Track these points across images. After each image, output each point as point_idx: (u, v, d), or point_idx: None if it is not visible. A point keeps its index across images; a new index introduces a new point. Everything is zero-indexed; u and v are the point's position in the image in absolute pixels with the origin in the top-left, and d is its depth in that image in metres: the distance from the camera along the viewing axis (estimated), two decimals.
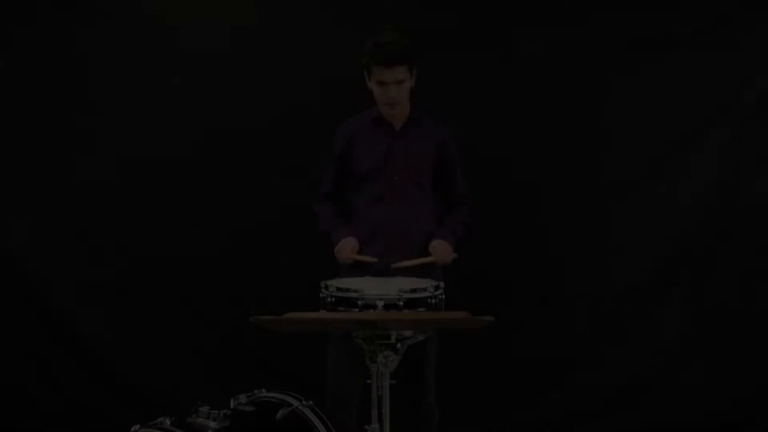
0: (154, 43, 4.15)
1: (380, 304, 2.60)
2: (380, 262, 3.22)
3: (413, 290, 2.67)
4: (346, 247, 3.23)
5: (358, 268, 3.23)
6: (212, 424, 2.57)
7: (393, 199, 3.30)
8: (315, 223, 3.41)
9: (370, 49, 3.16)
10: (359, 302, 2.61)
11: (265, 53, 4.15)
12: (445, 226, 3.36)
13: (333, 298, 2.68)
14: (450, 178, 3.42)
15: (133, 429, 2.56)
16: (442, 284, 2.79)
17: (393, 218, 3.28)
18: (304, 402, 2.82)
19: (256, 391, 2.87)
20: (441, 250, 3.25)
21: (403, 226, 3.28)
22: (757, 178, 4.17)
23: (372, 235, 3.29)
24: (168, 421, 2.58)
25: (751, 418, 4.20)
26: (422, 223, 3.33)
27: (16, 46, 4.17)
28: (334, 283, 2.74)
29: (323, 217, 3.40)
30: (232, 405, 2.78)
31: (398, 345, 2.57)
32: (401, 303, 2.61)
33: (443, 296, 2.75)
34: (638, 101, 4.13)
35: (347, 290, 2.66)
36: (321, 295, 2.73)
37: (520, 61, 4.16)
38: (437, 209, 3.41)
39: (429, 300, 2.68)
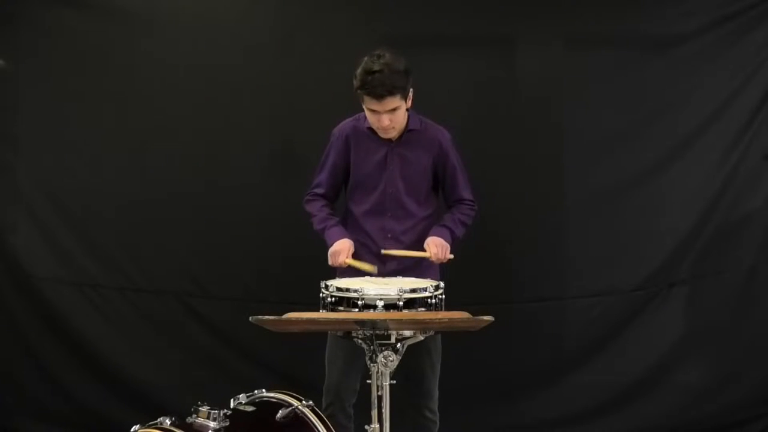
0: (157, 45, 4.17)
1: (380, 304, 2.60)
2: (381, 268, 3.16)
3: (413, 290, 2.67)
4: (342, 251, 3.15)
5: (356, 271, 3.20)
6: (212, 424, 2.57)
7: (388, 211, 3.24)
8: (310, 221, 3.35)
9: (360, 77, 3.01)
10: (359, 302, 2.61)
11: (266, 53, 4.16)
12: (444, 224, 3.28)
13: (333, 298, 2.68)
14: (451, 186, 3.34)
15: (133, 429, 2.56)
16: (442, 284, 2.79)
17: (388, 231, 3.24)
18: (304, 402, 2.82)
19: (256, 391, 2.88)
20: (436, 247, 3.16)
21: (400, 239, 3.23)
22: (759, 176, 4.16)
23: (369, 247, 3.24)
24: (168, 421, 2.58)
25: (751, 418, 4.20)
26: (420, 236, 3.24)
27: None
28: (334, 283, 2.74)
29: (316, 218, 3.32)
30: (232, 405, 2.79)
31: (398, 345, 2.58)
32: (401, 303, 2.61)
33: (443, 296, 2.75)
34: (639, 99, 4.13)
35: (347, 290, 2.66)
36: (321, 295, 2.73)
37: (519, 60, 4.16)
38: (436, 221, 3.32)
39: (429, 300, 2.68)
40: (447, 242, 3.20)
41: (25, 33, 4.17)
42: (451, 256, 3.20)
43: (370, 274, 3.09)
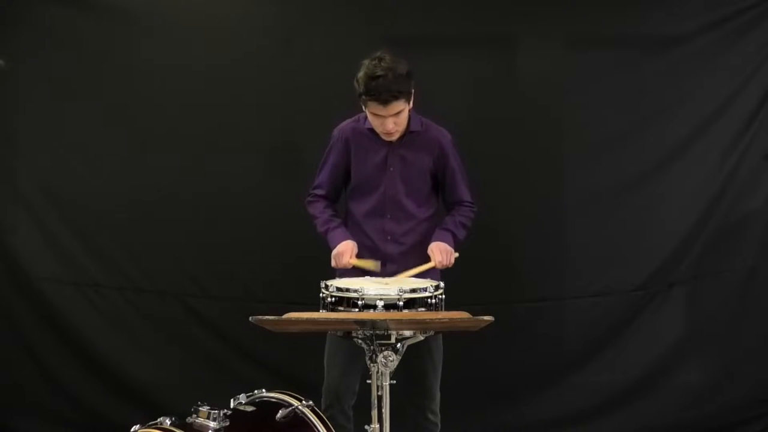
0: (157, 45, 4.17)
1: (380, 304, 2.60)
2: (382, 270, 3.15)
3: (413, 290, 2.67)
4: (345, 252, 3.14)
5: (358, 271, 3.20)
6: (212, 424, 2.57)
7: (388, 213, 3.23)
8: (312, 223, 3.35)
9: (364, 82, 2.99)
10: (359, 302, 2.61)
11: (266, 53, 4.16)
12: (446, 227, 3.28)
13: (333, 298, 2.68)
14: (451, 187, 3.33)
15: (133, 429, 2.56)
16: (442, 284, 2.78)
17: (388, 233, 3.23)
18: (304, 402, 2.82)
19: (256, 391, 2.88)
20: (440, 254, 3.15)
21: (400, 241, 3.23)
22: (759, 176, 4.16)
23: (369, 249, 3.23)
24: (168, 421, 2.58)
25: (751, 418, 4.20)
26: (420, 238, 3.24)
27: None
28: (334, 283, 2.74)
29: (319, 220, 3.31)
30: (232, 405, 2.79)
31: (398, 345, 2.58)
32: (401, 303, 2.61)
33: (443, 296, 2.75)
34: (639, 99, 4.13)
35: (347, 290, 2.66)
36: (321, 295, 2.73)
37: (520, 60, 4.16)
38: (437, 222, 3.32)
39: (429, 300, 2.68)
40: (450, 246, 3.20)
41: (25, 33, 4.16)
42: (456, 254, 3.19)
43: (373, 274, 3.09)
